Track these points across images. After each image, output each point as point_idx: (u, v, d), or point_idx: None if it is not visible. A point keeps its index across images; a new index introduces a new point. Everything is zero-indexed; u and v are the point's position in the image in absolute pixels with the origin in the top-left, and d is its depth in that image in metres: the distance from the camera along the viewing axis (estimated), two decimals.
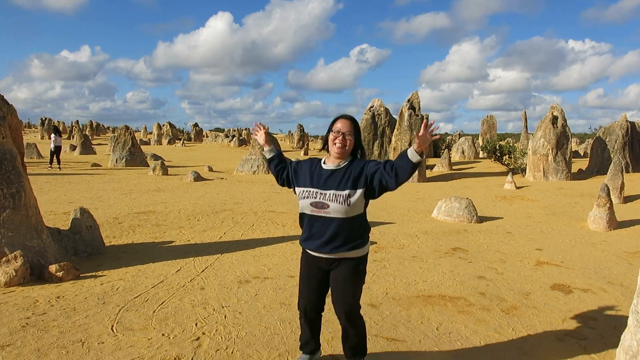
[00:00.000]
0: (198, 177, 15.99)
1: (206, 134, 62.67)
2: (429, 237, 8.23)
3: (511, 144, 27.40)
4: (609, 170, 14.22)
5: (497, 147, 25.54)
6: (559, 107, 21.12)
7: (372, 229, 8.64)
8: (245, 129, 59.35)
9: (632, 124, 22.29)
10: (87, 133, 46.17)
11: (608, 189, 9.92)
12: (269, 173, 19.38)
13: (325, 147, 3.24)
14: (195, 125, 57.52)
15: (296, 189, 3.22)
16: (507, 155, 24.52)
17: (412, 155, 2.83)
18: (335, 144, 3.09)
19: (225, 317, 4.37)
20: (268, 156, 3.45)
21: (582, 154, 33.64)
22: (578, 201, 13.60)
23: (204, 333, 3.99)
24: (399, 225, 9.28)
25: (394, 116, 22.98)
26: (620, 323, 4.65)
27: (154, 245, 7.13)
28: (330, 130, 3.16)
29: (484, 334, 4.32)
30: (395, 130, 20.30)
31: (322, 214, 3.05)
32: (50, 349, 3.55)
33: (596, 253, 7.64)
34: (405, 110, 19.98)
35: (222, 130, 76.11)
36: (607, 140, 21.98)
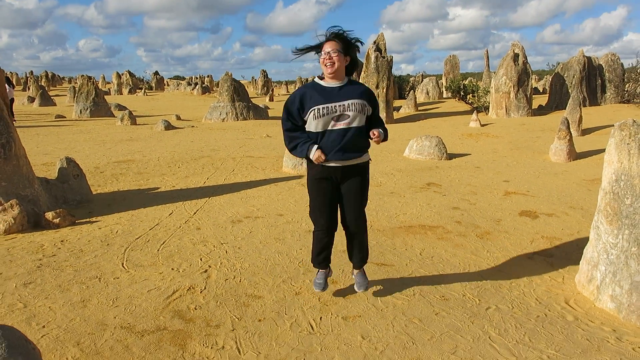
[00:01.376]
0: (169, 126, 15.91)
1: (167, 82, 61.07)
2: (404, 175, 8.65)
3: (474, 83, 27.92)
4: (568, 104, 14.87)
5: (461, 87, 26.02)
6: (519, 45, 21.54)
7: None
8: (208, 77, 58.01)
9: (589, 59, 22.97)
10: (42, 84, 44.35)
11: (568, 122, 10.49)
12: (238, 120, 19.38)
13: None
14: (156, 73, 55.91)
15: (309, 113, 3.27)
16: (471, 94, 25.04)
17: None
18: (326, 65, 3.25)
19: (226, 252, 4.69)
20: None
21: (541, 90, 34.53)
22: (539, 135, 14.25)
23: (210, 266, 4.30)
24: (374, 165, 9.64)
25: (360, 59, 22.99)
26: (581, 242, 5.19)
27: (140, 192, 7.30)
28: (319, 54, 3.30)
29: (462, 256, 4.78)
30: (363, 72, 20.40)
31: (342, 126, 3.28)
32: (70, 284, 3.81)
33: (558, 182, 8.23)
34: (371, 53, 20.03)
35: (182, 78, 74.13)
36: (565, 75, 22.66)
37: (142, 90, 45.86)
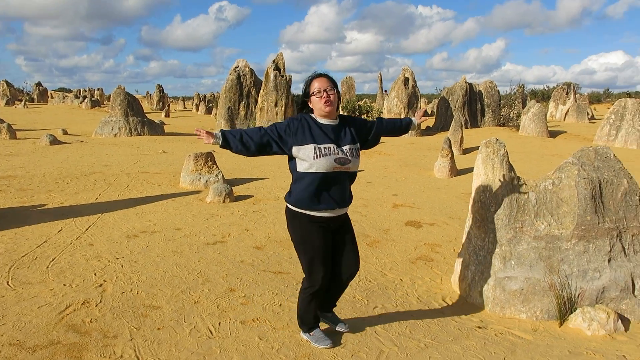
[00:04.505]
0: (54, 141, 15.01)
1: (51, 94, 57.12)
2: None
3: (369, 104, 29.33)
4: (451, 126, 16.19)
5: (357, 107, 27.22)
6: (409, 70, 23.10)
7: (248, 184, 9.17)
8: (98, 89, 55.11)
9: (470, 85, 25.13)
10: None
11: (450, 142, 11.47)
12: (132, 135, 18.71)
13: (303, 110, 3.15)
14: (39, 84, 52.07)
15: (303, 147, 2.96)
16: (366, 115, 26.27)
17: (414, 124, 3.58)
18: (324, 103, 2.99)
19: (122, 266, 4.64)
20: (221, 142, 2.99)
21: (430, 113, 37.02)
22: (426, 154, 15.36)
23: (105, 280, 4.24)
24: (272, 180, 9.89)
25: (259, 77, 23.30)
26: (458, 247, 5.77)
27: (24, 209, 6.90)
28: (308, 93, 3.06)
29: None
30: (262, 90, 20.70)
31: (343, 170, 3.01)
32: None
33: (440, 195, 9.00)
34: (270, 71, 20.42)
35: (68, 91, 69.63)
36: (450, 99, 24.59)
37: (22, 102, 42.50)
